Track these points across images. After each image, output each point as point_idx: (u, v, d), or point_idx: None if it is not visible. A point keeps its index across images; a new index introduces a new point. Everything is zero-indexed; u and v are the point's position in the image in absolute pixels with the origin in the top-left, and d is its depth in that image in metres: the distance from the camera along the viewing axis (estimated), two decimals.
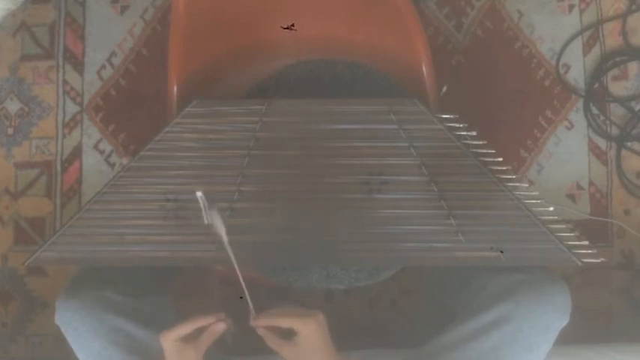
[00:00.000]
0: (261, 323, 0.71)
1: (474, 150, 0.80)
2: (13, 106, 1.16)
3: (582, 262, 0.75)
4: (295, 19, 0.88)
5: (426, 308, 1.03)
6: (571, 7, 1.19)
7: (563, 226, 0.77)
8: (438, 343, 0.78)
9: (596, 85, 1.17)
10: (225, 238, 0.68)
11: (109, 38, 1.16)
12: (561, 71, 1.18)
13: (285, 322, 0.69)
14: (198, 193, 0.65)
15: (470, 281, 0.83)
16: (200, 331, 0.70)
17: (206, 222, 0.67)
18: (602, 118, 1.17)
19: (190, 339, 0.69)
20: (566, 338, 0.76)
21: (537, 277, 0.76)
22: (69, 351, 1.09)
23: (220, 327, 0.70)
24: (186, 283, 1.11)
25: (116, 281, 0.80)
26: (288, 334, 0.69)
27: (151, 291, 0.84)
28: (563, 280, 0.77)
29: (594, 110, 1.17)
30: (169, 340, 0.69)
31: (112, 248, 0.76)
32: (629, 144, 1.17)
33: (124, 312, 0.77)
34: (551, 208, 0.78)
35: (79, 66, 1.16)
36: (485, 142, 0.80)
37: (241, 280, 0.69)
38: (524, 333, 0.74)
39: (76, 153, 1.15)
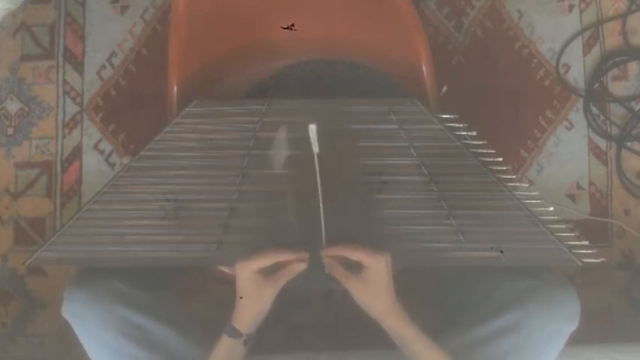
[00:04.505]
0: (331, 253, 0.71)
1: (474, 150, 0.80)
2: (13, 106, 1.16)
3: (582, 262, 0.75)
4: (295, 19, 0.88)
5: (426, 309, 1.03)
6: (571, 7, 1.19)
7: (563, 226, 0.77)
8: (445, 348, 0.78)
9: (596, 85, 1.17)
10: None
11: (109, 38, 1.16)
12: (561, 71, 1.18)
13: (355, 255, 0.69)
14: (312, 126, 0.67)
15: (476, 284, 0.83)
16: (277, 266, 0.69)
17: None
18: (602, 118, 1.17)
19: (268, 273, 0.69)
20: (567, 338, 0.76)
21: (546, 282, 0.76)
22: (69, 351, 1.10)
23: (301, 266, 0.70)
24: (186, 283, 1.11)
25: (124, 273, 0.79)
26: (354, 269, 0.69)
27: (154, 285, 0.84)
28: (571, 284, 0.76)
29: (594, 110, 1.17)
30: (247, 271, 0.68)
31: (112, 248, 0.76)
32: (629, 144, 1.17)
33: (134, 304, 0.76)
34: (551, 208, 0.78)
35: (79, 66, 1.16)
36: (485, 142, 0.80)
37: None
38: (535, 340, 0.74)
39: (76, 153, 1.15)
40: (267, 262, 0.69)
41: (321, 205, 0.70)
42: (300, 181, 0.72)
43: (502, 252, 0.75)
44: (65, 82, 1.16)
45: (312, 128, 0.67)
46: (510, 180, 0.79)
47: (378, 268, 0.69)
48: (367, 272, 0.69)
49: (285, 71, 0.89)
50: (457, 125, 0.81)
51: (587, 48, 1.19)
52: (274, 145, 0.78)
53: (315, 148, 0.68)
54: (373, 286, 0.69)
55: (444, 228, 0.77)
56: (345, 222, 0.75)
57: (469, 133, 0.80)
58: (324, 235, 0.71)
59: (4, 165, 1.15)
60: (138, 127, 1.14)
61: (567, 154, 1.17)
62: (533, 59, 1.18)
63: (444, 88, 0.91)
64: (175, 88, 0.87)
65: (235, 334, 0.70)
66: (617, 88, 1.18)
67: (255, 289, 0.69)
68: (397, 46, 0.90)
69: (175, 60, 0.87)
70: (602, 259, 0.75)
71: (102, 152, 1.14)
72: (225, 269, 0.88)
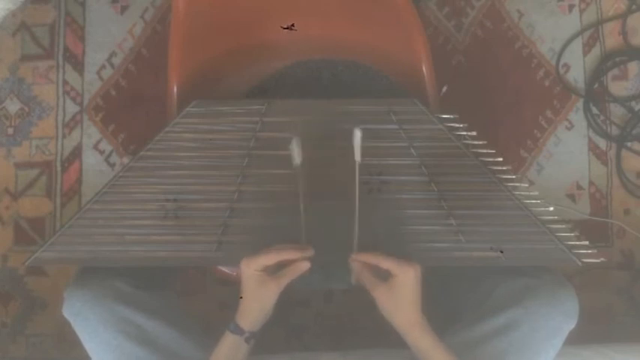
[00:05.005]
0: (361, 258, 0.70)
1: (474, 150, 0.80)
2: (13, 106, 1.16)
3: (582, 262, 0.75)
4: (295, 19, 0.88)
5: (427, 308, 1.03)
6: (571, 7, 1.19)
7: (563, 226, 0.77)
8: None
9: (596, 85, 1.17)
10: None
11: (109, 38, 1.16)
12: (561, 71, 1.18)
13: (385, 263, 0.68)
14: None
15: (477, 284, 0.83)
16: (282, 265, 0.69)
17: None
18: (602, 118, 1.17)
19: (272, 271, 0.69)
20: (567, 338, 0.76)
21: (546, 281, 0.76)
22: (69, 351, 1.10)
23: (305, 265, 0.69)
24: (186, 283, 1.11)
25: (125, 272, 0.79)
26: (382, 277, 0.69)
27: (155, 285, 0.84)
28: (570, 283, 0.77)
29: (594, 110, 1.17)
30: (251, 269, 0.68)
31: (112, 248, 0.76)
32: (629, 144, 1.17)
33: (135, 303, 0.76)
34: (551, 208, 0.78)
35: (79, 66, 1.16)
36: (485, 142, 0.80)
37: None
38: (534, 339, 0.74)
39: (76, 153, 1.15)
40: (271, 260, 0.69)
41: (357, 213, 0.71)
42: (301, 182, 0.72)
43: (502, 252, 0.75)
44: (65, 82, 1.16)
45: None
46: (510, 180, 0.79)
47: (406, 278, 0.68)
48: (395, 281, 0.68)
49: (285, 71, 0.89)
50: (457, 125, 0.81)
51: (587, 48, 1.19)
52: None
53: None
54: (400, 296, 0.68)
55: (444, 228, 0.77)
56: (345, 222, 0.75)
57: (469, 133, 0.81)
58: (356, 240, 0.71)
59: (4, 165, 1.15)
60: (138, 127, 1.14)
61: (567, 154, 1.17)
62: (533, 59, 1.18)
63: (444, 88, 0.91)
64: (175, 88, 0.87)
65: (238, 330, 0.70)
66: (617, 88, 1.18)
67: (258, 287, 0.69)
68: (397, 46, 0.90)
69: (175, 60, 0.87)
70: (602, 259, 0.75)
71: (102, 152, 1.14)
72: (225, 269, 0.88)
